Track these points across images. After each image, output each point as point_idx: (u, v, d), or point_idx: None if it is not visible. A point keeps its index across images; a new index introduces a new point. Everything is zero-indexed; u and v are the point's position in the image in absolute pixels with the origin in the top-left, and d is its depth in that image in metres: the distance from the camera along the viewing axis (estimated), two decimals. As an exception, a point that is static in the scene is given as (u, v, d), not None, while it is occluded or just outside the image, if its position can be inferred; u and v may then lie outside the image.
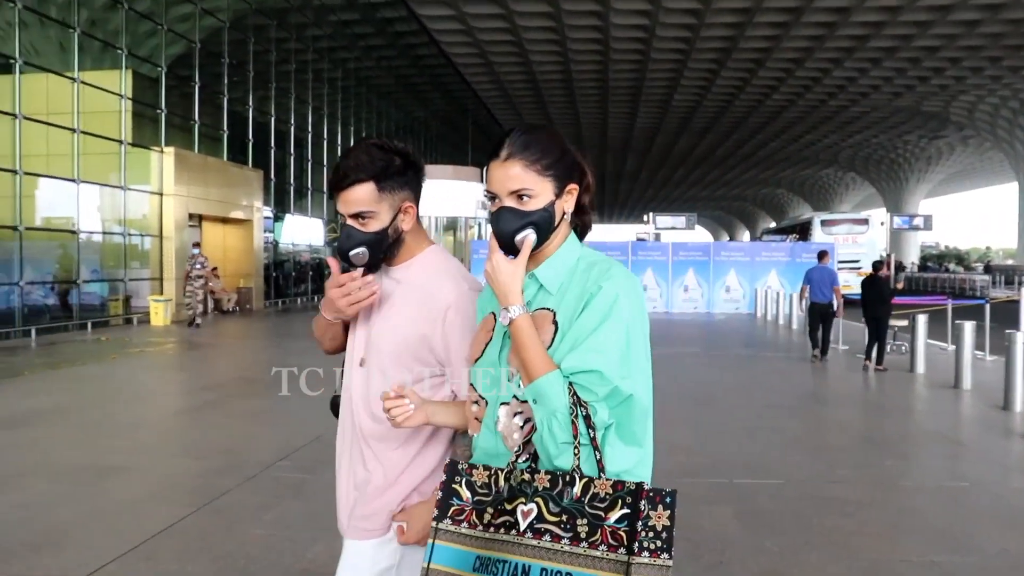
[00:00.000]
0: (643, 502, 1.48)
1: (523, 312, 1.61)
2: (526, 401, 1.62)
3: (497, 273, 1.64)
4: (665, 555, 1.45)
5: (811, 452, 6.68)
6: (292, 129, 26.69)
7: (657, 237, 33.89)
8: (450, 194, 24.09)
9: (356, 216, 1.91)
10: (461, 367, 1.93)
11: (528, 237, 1.65)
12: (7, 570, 3.90)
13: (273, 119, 25.22)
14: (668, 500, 1.48)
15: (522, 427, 1.64)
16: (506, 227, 1.65)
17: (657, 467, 4.95)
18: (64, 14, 16.28)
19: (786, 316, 19.11)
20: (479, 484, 1.61)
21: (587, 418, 1.54)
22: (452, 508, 1.61)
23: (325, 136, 29.54)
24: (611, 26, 29.50)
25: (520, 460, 1.61)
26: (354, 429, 2.01)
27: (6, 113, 14.63)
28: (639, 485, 1.49)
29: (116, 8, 17.59)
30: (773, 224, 77.09)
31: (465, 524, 1.59)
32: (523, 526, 1.54)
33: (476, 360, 1.76)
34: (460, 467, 1.63)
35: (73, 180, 16.24)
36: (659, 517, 1.47)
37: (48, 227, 16.78)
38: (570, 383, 1.56)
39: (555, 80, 38.64)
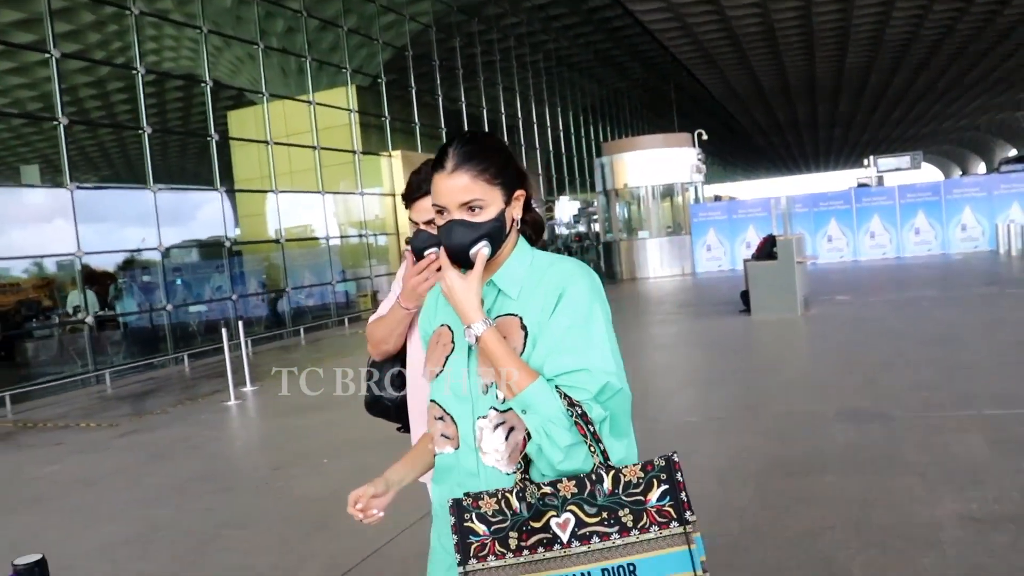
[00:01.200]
0: (678, 474, 1.52)
1: (487, 327, 1.60)
2: (507, 411, 1.62)
3: (453, 291, 1.63)
4: (689, 511, 1.52)
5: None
6: (503, 118, 27.80)
7: (880, 181, 32.22)
8: (663, 161, 24.22)
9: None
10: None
11: (482, 251, 1.63)
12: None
13: (485, 111, 26.41)
14: (679, 468, 1.55)
15: (506, 439, 1.63)
16: (460, 240, 1.63)
17: (901, 403, 5.46)
18: (286, 43, 18.01)
19: (1033, 248, 17.86)
20: (490, 513, 1.56)
21: (583, 416, 1.54)
22: (472, 546, 1.56)
23: (535, 118, 30.49)
24: (810, -32, 28.37)
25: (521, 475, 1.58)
26: None
27: (258, 141, 16.45)
28: (669, 459, 1.53)
29: (331, 29, 19.15)
30: (1013, 152, 70.57)
31: (492, 557, 1.54)
32: (566, 537, 1.52)
33: (437, 374, 1.73)
34: (465, 504, 1.58)
35: (318, 192, 17.99)
36: (682, 485, 1.53)
37: (302, 236, 18.63)
38: (557, 386, 1.56)
39: (755, 32, 37.54)
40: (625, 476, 1.52)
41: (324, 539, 4.52)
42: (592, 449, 1.54)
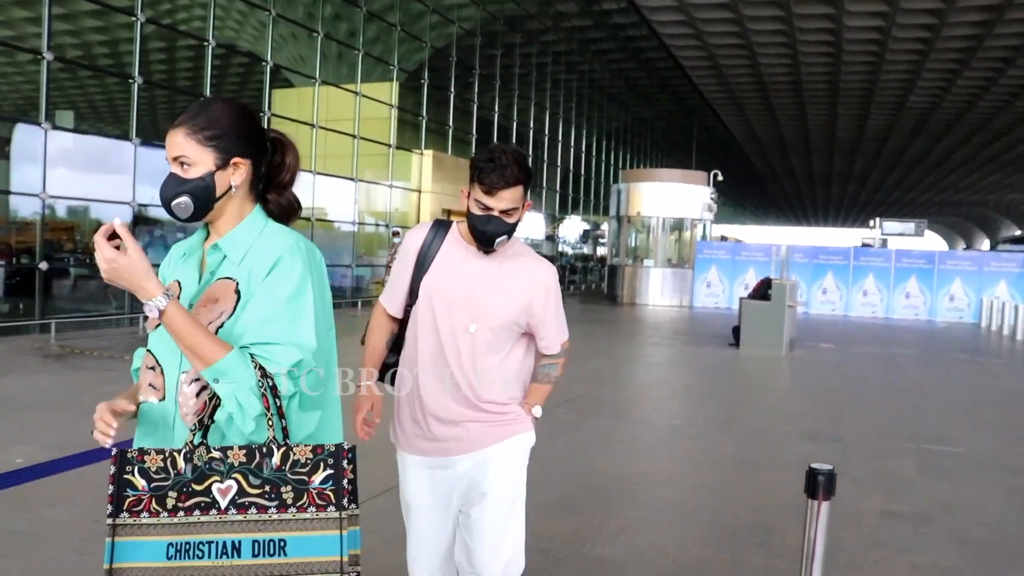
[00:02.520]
0: (344, 461, 1.59)
1: (168, 300, 1.58)
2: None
3: (119, 271, 1.57)
4: (354, 505, 1.60)
5: (998, 433, 7.59)
6: (531, 132, 28.87)
7: (884, 243, 33.19)
8: (678, 196, 25.30)
9: (506, 211, 2.34)
10: (553, 328, 2.50)
11: (184, 205, 1.68)
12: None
13: (515, 123, 27.46)
14: (350, 456, 1.61)
15: (197, 395, 1.67)
16: (164, 192, 1.69)
17: (857, 432, 6.83)
18: (331, 29, 19.05)
19: (1011, 327, 18.88)
20: (153, 469, 1.55)
21: (273, 388, 1.59)
22: (128, 500, 1.54)
23: (560, 137, 31.55)
24: (844, 28, 29.42)
25: (195, 436, 1.59)
26: (453, 380, 2.42)
27: (305, 123, 17.47)
28: (339, 447, 1.60)
29: (378, 22, 20.14)
30: (1018, 232, 71.74)
31: (146, 513, 1.54)
32: (224, 504, 1.54)
33: (157, 326, 1.71)
34: (130, 455, 1.56)
35: (351, 179, 19.02)
36: (348, 472, 1.60)
37: (329, 218, 19.61)
38: (252, 354, 1.60)
39: (783, 82, 38.62)
40: (295, 455, 1.57)
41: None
42: (270, 423, 1.59)
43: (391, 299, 2.55)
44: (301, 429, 1.70)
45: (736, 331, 14.04)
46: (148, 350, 1.78)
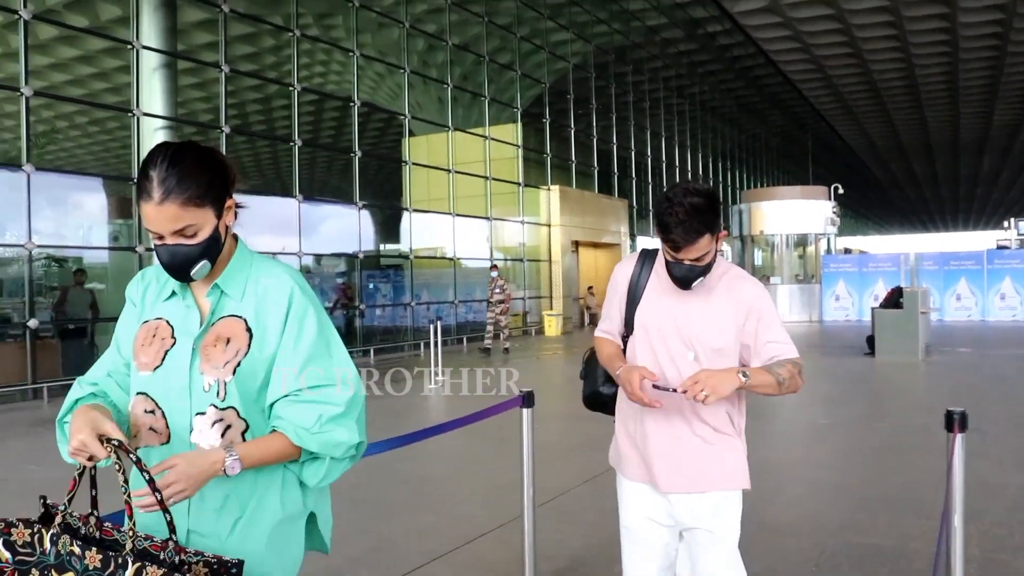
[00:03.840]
0: None
1: (236, 453, 1.59)
2: (226, 409, 1.66)
3: (185, 478, 1.54)
4: None
5: None
6: (649, 160, 29.67)
7: (1021, 244, 32.29)
8: (800, 212, 25.60)
9: (697, 259, 2.34)
10: (769, 338, 2.38)
11: (203, 268, 1.67)
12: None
13: (633, 152, 28.34)
14: (234, 572, 1.48)
15: (222, 435, 1.66)
16: (177, 262, 1.64)
17: (996, 424, 7.62)
18: (439, 72, 20.40)
19: None
20: (20, 543, 1.49)
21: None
22: None
23: (676, 162, 32.22)
24: (959, 25, 29.05)
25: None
26: (680, 411, 2.44)
27: (442, 168, 18.82)
28: (239, 564, 1.50)
29: (500, 68, 21.43)
30: None
31: None
32: None
33: (155, 368, 1.70)
34: None
35: (487, 218, 20.25)
36: None
37: (471, 257, 20.83)
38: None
39: (897, 86, 38.18)
40: (147, 574, 1.41)
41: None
42: (169, 517, 1.49)
43: (608, 330, 2.63)
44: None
45: (871, 340, 14.43)
46: (143, 393, 1.71)
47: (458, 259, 19.34)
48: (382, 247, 19.43)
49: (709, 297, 2.43)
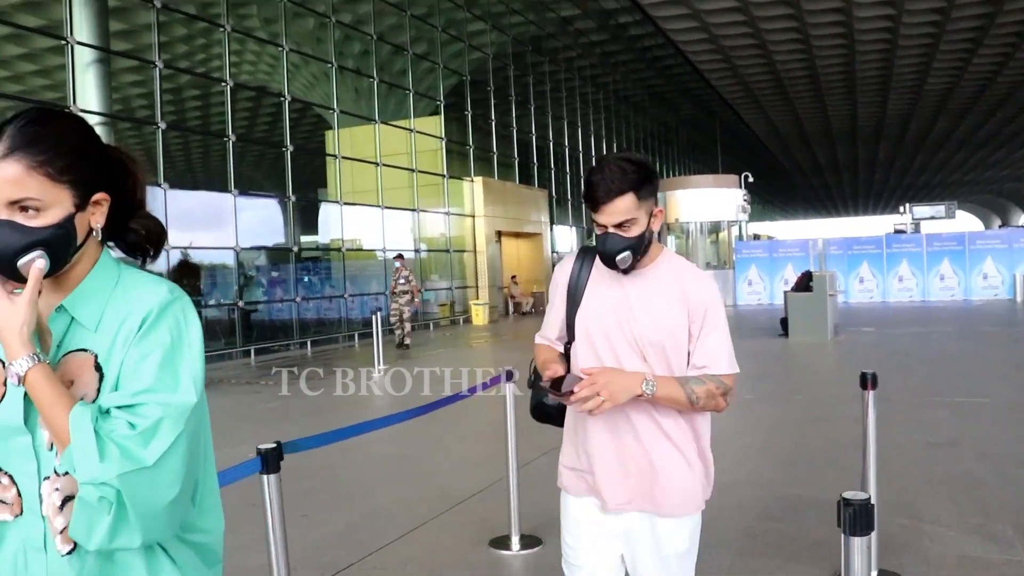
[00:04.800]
0: None
1: (35, 363, 1.20)
2: (66, 474, 1.22)
3: None
4: None
5: (1021, 386, 8.95)
6: (566, 150, 30.42)
7: (916, 228, 34.09)
8: (712, 200, 26.74)
9: (619, 224, 2.08)
10: (709, 348, 2.13)
11: (36, 263, 1.22)
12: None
13: (551, 143, 29.03)
14: None
15: (60, 507, 1.23)
16: (6, 245, 1.21)
17: (898, 392, 8.69)
18: (361, 66, 20.73)
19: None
20: None
21: None
22: None
23: (592, 151, 33.08)
24: (855, 20, 30.52)
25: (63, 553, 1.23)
26: (631, 419, 2.16)
27: (371, 162, 19.12)
28: None
29: (425, 63, 21.81)
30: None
31: None
32: None
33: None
34: None
35: (413, 210, 20.65)
36: None
37: (398, 249, 21.17)
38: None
39: (800, 76, 39.73)
40: None
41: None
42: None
43: (544, 336, 2.41)
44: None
45: (784, 322, 15.42)
46: None
47: (387, 251, 19.71)
48: (316, 239, 19.62)
49: (654, 289, 2.17)
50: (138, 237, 1.40)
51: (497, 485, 4.94)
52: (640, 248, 2.13)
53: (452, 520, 4.97)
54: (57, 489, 1.25)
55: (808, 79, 40.43)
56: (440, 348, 15.80)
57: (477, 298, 22.60)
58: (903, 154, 66.01)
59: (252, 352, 15.23)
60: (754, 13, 29.83)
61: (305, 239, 18.36)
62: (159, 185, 13.39)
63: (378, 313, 12.76)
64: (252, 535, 3.04)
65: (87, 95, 12.59)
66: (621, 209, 2.07)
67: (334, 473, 6.04)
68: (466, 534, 4.70)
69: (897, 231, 33.41)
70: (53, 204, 1.24)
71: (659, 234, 2.39)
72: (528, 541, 4.48)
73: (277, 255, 17.78)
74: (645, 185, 2.10)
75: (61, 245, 1.25)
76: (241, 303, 15.56)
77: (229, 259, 15.33)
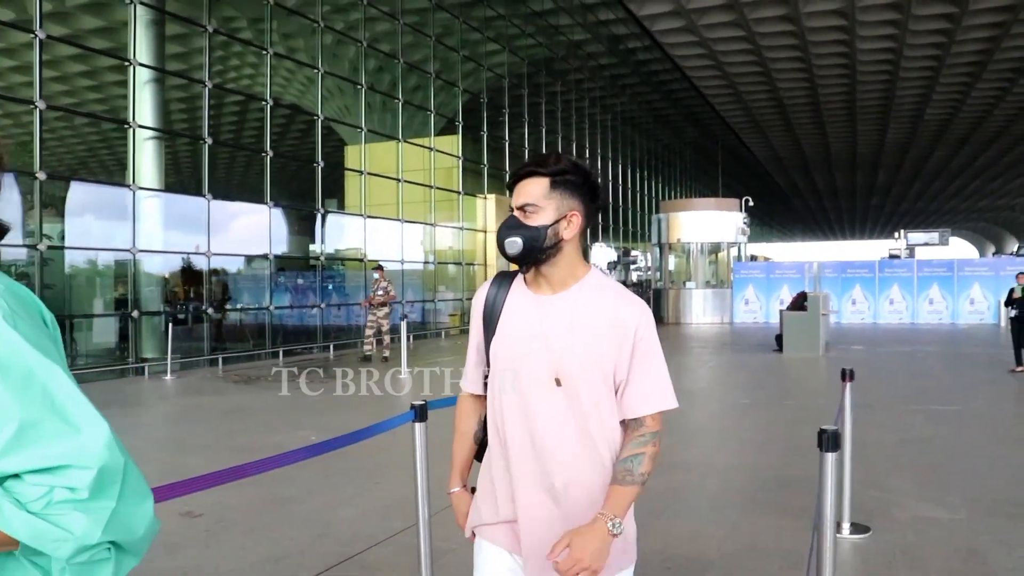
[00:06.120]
0: None
1: None
2: None
3: None
4: None
5: (991, 398, 10.00)
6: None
7: (911, 253, 35.03)
8: (713, 222, 27.88)
9: (522, 208, 1.96)
10: (638, 385, 1.95)
11: None
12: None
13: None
14: None
15: None
16: None
17: (881, 401, 10.20)
18: (388, 87, 21.84)
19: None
20: None
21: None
22: None
23: (598, 172, 34.14)
24: (857, 51, 31.59)
25: None
26: (535, 450, 1.96)
27: (392, 177, 20.18)
28: None
29: (423, 75, 22.93)
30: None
31: None
32: None
33: None
34: None
35: (430, 224, 21.72)
36: None
37: (412, 260, 22.23)
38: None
39: (802, 103, 40.78)
40: None
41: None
42: None
43: (468, 375, 2.19)
44: None
45: (779, 338, 16.48)
46: None
47: (404, 262, 20.73)
48: (336, 249, 20.65)
49: (576, 313, 1.97)
50: None
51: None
52: (534, 242, 1.94)
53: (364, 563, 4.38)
54: None
55: (810, 106, 41.51)
56: (451, 355, 16.84)
57: (488, 310, 23.55)
58: (900, 181, 67.08)
59: (280, 354, 16.22)
60: (759, 42, 30.95)
61: (327, 248, 19.36)
62: (204, 196, 14.46)
63: (405, 320, 13.76)
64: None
65: (143, 111, 13.64)
66: (528, 192, 1.97)
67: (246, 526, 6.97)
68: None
69: (892, 256, 34.43)
70: None
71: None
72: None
73: (300, 263, 18.82)
74: (565, 181, 1.97)
75: None
76: (272, 307, 16.56)
77: (263, 266, 16.38)
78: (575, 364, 1.94)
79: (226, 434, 8.19)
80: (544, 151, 28.33)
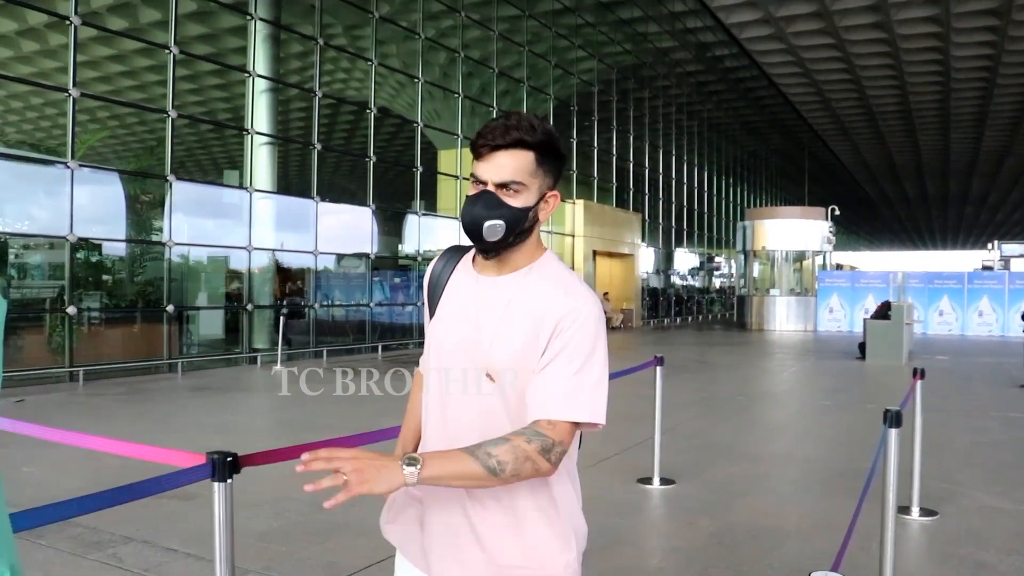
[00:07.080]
0: None
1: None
2: None
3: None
4: None
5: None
6: (660, 177, 31.98)
7: (1005, 265, 34.39)
8: (799, 231, 28.00)
9: (504, 186, 1.63)
10: (551, 385, 1.60)
11: None
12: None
13: (647, 169, 30.62)
14: None
15: None
16: None
17: (956, 407, 10.57)
18: (494, 100, 22.63)
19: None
20: None
21: None
22: None
23: (685, 179, 34.51)
24: (951, 58, 31.17)
25: None
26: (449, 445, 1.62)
27: (455, 176, 20.80)
28: None
29: (536, 93, 23.69)
30: None
31: None
32: None
33: None
34: None
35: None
36: None
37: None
38: None
39: (892, 110, 40.26)
40: None
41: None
42: None
43: (425, 355, 1.89)
44: None
45: (862, 346, 16.73)
46: None
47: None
48: (428, 250, 21.55)
49: (514, 299, 1.70)
50: None
51: None
52: (517, 226, 1.66)
53: None
54: None
55: (900, 114, 40.95)
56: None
57: (574, 312, 24.20)
58: (996, 190, 65.31)
59: (379, 348, 17.16)
60: (849, 49, 30.85)
61: (421, 248, 20.27)
62: (313, 198, 15.50)
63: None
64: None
65: (260, 118, 14.73)
66: (514, 165, 1.63)
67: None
68: None
69: (985, 267, 33.89)
70: None
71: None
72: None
73: (393, 263, 19.78)
74: (551, 153, 1.68)
75: None
76: (373, 304, 17.54)
77: (360, 264, 17.38)
78: (501, 361, 1.66)
79: (341, 417, 9.05)
80: (631, 156, 28.93)
